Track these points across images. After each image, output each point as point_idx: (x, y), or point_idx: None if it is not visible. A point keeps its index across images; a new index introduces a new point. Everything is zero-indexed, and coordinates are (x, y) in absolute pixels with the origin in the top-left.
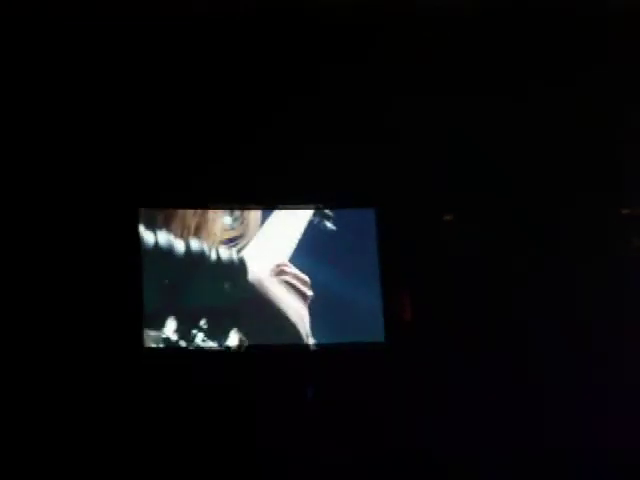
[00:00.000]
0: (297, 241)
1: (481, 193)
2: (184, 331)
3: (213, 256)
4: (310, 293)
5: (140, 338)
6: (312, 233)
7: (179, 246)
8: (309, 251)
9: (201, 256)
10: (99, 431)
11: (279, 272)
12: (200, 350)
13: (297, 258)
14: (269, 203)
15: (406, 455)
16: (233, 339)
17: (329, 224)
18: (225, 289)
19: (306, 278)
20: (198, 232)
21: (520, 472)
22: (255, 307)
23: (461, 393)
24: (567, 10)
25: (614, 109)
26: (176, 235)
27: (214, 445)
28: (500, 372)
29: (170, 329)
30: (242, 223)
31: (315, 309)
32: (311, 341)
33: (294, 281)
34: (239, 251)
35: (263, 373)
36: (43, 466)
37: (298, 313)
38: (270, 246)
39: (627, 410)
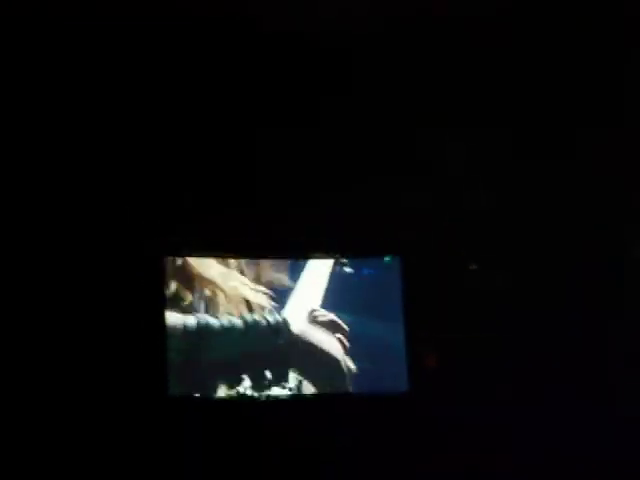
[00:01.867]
0: (325, 288)
1: (506, 241)
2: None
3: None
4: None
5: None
6: (334, 281)
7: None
8: (333, 299)
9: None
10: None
11: (313, 318)
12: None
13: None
14: (297, 254)
15: None
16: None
17: (348, 270)
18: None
19: (337, 319)
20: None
21: None
22: (303, 352)
23: (486, 445)
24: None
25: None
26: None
27: None
28: (526, 423)
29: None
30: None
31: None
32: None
33: (328, 323)
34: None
35: (283, 423)
36: None
37: (339, 352)
38: (304, 296)
39: None
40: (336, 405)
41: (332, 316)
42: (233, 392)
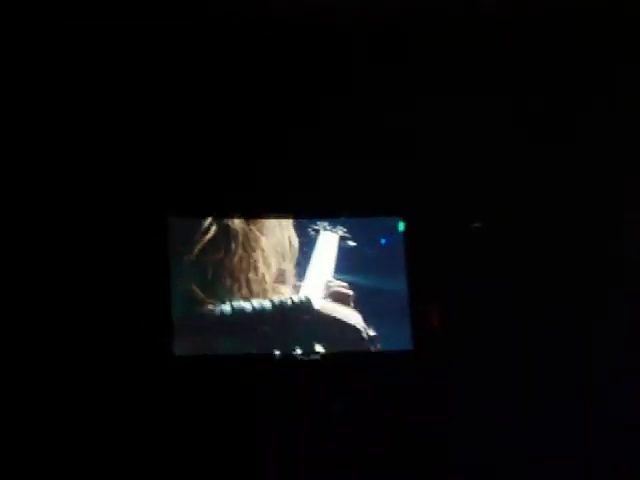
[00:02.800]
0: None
1: (508, 200)
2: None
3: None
4: (351, 293)
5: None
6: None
7: None
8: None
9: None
10: (127, 443)
11: (331, 291)
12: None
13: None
14: (297, 214)
15: (435, 464)
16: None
17: (352, 243)
18: None
19: (350, 291)
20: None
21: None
22: (327, 326)
23: (488, 402)
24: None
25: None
26: None
27: (241, 453)
28: (527, 381)
29: None
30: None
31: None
32: (371, 332)
33: (341, 290)
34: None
35: (289, 380)
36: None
37: (354, 316)
38: (318, 269)
39: None
40: (343, 364)
41: (347, 287)
42: None
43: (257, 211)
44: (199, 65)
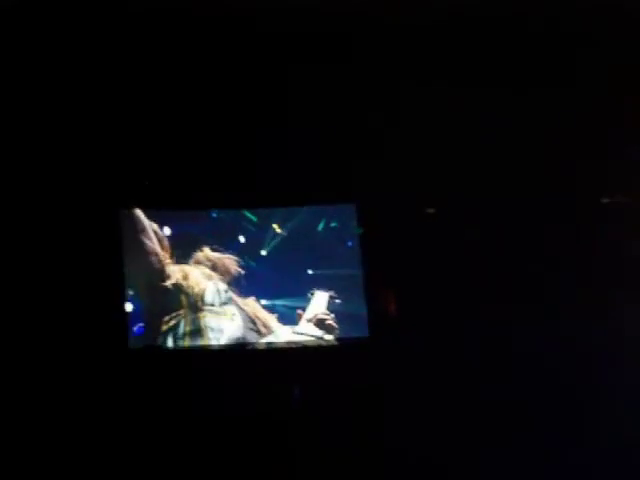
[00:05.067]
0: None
1: (463, 187)
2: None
3: None
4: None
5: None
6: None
7: None
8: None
9: None
10: (83, 435)
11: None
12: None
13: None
14: (249, 204)
15: (389, 450)
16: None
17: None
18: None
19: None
20: None
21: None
22: None
23: (446, 388)
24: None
25: (596, 99)
26: None
27: (200, 447)
28: (485, 367)
29: None
30: None
31: None
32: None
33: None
34: None
35: (248, 372)
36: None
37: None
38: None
39: None
40: (298, 354)
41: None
42: None
43: (211, 202)
44: (152, 59)
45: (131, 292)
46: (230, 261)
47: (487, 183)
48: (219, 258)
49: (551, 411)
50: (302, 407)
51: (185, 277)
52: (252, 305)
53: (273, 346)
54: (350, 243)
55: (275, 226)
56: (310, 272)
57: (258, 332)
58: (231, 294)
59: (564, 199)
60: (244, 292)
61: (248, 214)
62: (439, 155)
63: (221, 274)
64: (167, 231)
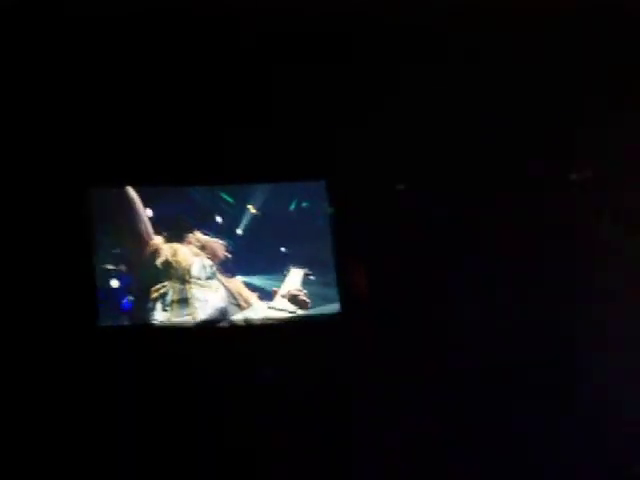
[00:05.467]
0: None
1: (433, 161)
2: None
3: None
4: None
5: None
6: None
7: None
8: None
9: None
10: (54, 414)
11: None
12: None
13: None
14: (221, 181)
15: (365, 428)
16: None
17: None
18: None
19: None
20: None
21: (478, 447)
22: None
23: (417, 364)
24: None
25: (565, 76)
26: None
27: (172, 425)
28: (457, 343)
29: None
30: None
31: None
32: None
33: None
34: None
35: (219, 350)
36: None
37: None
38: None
39: None
40: (272, 330)
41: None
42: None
43: (182, 179)
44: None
45: (121, 268)
46: (219, 245)
47: (459, 158)
48: (208, 241)
49: (524, 386)
50: (272, 385)
51: (174, 254)
52: (235, 283)
53: (246, 323)
54: (321, 222)
55: (250, 207)
56: (283, 250)
57: (238, 306)
58: (215, 270)
59: (536, 175)
60: (229, 271)
61: (225, 195)
62: (410, 130)
63: (208, 254)
64: (149, 212)
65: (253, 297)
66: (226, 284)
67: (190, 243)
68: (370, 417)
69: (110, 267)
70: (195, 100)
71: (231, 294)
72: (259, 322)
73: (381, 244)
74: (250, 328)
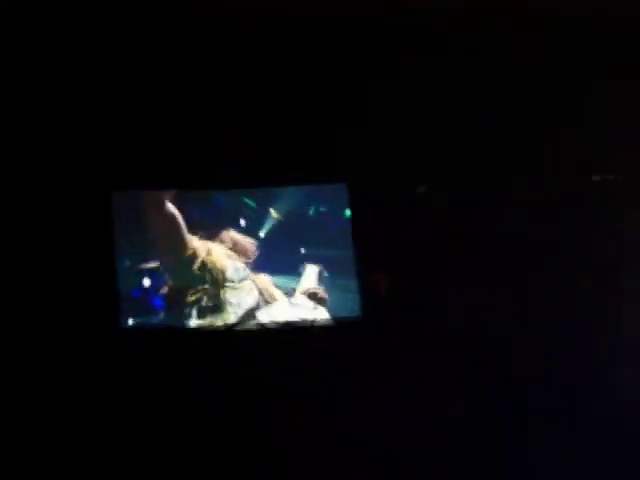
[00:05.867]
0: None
1: (453, 164)
2: None
3: None
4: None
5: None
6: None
7: None
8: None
9: None
10: (74, 418)
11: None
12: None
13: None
14: (244, 184)
15: (383, 434)
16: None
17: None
18: None
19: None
20: None
21: (496, 455)
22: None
23: (436, 368)
24: None
25: (583, 77)
26: None
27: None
28: (476, 349)
29: None
30: None
31: None
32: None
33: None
34: None
35: (239, 352)
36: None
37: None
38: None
39: None
40: (291, 333)
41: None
42: None
43: (199, 183)
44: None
45: (153, 265)
46: (249, 244)
47: (478, 163)
48: (239, 239)
49: (546, 392)
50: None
51: (209, 253)
52: (263, 279)
53: (272, 324)
54: (338, 225)
55: (272, 211)
56: (303, 251)
57: (266, 302)
58: (248, 271)
59: (553, 179)
60: (257, 268)
61: (248, 200)
62: (430, 134)
63: (239, 254)
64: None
65: (278, 293)
66: (256, 281)
67: (223, 242)
68: (385, 421)
69: (144, 266)
70: (213, 104)
71: (259, 291)
72: (283, 323)
73: (401, 247)
74: (270, 330)
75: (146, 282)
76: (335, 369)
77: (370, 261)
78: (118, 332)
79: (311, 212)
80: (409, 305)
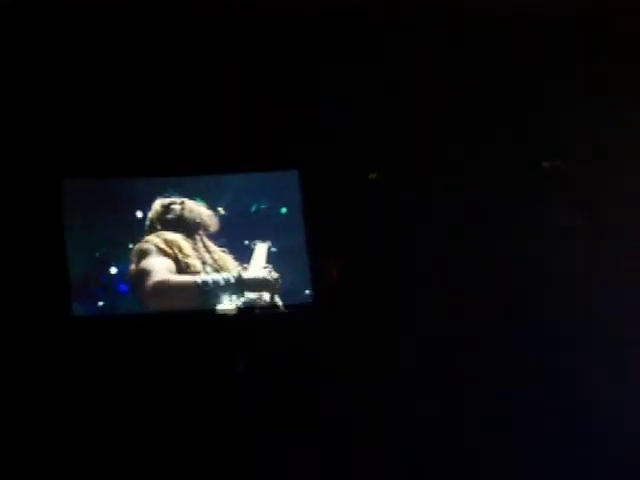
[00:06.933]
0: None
1: (405, 151)
2: None
3: None
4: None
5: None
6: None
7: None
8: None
9: None
10: (27, 406)
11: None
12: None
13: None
14: (194, 170)
15: (336, 419)
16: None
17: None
18: None
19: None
20: None
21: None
22: None
23: (390, 354)
24: None
25: (534, 63)
26: None
27: (143, 416)
28: (426, 330)
29: None
30: None
31: None
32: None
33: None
34: None
35: (193, 338)
36: None
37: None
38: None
39: None
40: (244, 319)
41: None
42: None
43: (156, 169)
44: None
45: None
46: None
47: (430, 149)
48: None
49: (500, 371)
50: (246, 374)
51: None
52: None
53: (220, 312)
54: (276, 220)
55: (220, 209)
56: (246, 243)
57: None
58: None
59: (510, 163)
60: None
61: (199, 200)
62: (381, 120)
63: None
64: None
65: (229, 260)
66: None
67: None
68: (344, 406)
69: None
70: (164, 92)
71: (214, 260)
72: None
73: (352, 233)
74: (226, 317)
75: (113, 270)
76: (287, 354)
77: (322, 247)
78: (70, 320)
79: (253, 209)
80: (360, 290)
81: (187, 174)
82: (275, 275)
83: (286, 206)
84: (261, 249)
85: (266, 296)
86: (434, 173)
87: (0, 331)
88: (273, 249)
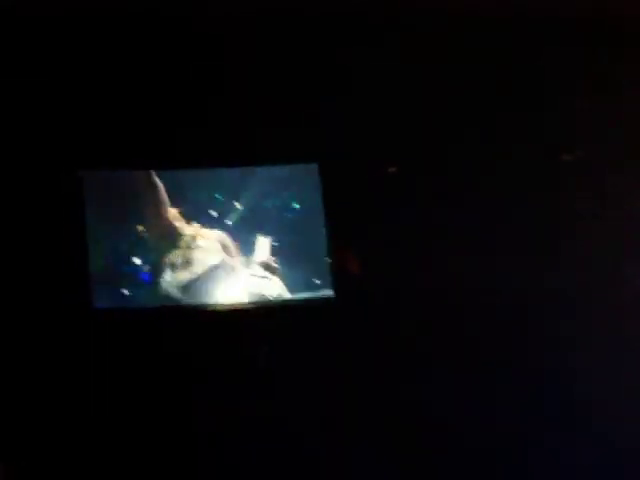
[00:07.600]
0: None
1: (424, 145)
2: None
3: None
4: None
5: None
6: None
7: None
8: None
9: None
10: (48, 398)
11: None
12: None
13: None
14: (216, 163)
15: (359, 411)
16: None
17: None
18: None
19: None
20: None
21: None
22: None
23: (414, 347)
24: None
25: (547, 59)
26: None
27: (167, 410)
28: (450, 323)
29: None
30: None
31: None
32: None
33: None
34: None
35: (212, 332)
36: None
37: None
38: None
39: None
40: (265, 314)
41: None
42: None
43: (174, 163)
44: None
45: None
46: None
47: (449, 144)
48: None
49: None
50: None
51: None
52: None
53: (235, 307)
54: (289, 215)
55: (236, 203)
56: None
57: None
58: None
59: (522, 159)
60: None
61: (217, 195)
62: (402, 115)
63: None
64: None
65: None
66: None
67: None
68: (365, 401)
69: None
70: (182, 86)
71: (222, 246)
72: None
73: (372, 227)
74: (241, 311)
75: (137, 261)
76: (307, 350)
77: (342, 241)
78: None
79: (269, 205)
80: (382, 285)
81: (207, 166)
82: (276, 266)
83: (300, 201)
84: (263, 243)
85: (274, 283)
86: (453, 167)
87: (23, 325)
88: (275, 243)
